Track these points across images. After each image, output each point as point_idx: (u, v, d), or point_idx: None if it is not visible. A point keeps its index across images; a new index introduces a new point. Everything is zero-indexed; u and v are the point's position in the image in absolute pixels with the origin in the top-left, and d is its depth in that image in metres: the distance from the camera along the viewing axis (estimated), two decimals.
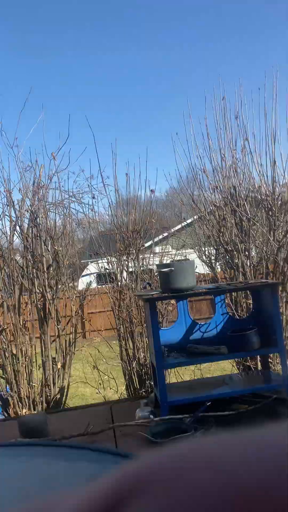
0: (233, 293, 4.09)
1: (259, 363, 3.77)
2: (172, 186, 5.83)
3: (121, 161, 4.75)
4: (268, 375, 3.27)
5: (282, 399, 2.91)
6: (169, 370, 3.59)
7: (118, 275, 4.31)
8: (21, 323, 3.85)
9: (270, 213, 4.27)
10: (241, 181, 4.48)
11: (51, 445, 0.91)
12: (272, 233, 4.14)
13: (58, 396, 3.81)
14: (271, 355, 3.73)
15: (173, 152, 4.60)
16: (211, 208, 4.64)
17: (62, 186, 4.67)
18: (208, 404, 2.80)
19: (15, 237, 4.17)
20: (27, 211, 4.31)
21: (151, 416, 2.85)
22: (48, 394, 3.78)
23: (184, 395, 2.91)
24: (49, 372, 3.83)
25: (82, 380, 4.06)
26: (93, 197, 4.96)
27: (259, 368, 3.75)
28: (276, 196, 4.39)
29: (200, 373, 3.83)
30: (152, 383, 3.42)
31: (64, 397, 3.89)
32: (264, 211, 4.44)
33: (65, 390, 3.90)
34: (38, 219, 4.27)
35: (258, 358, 3.74)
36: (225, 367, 4.01)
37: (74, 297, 4.28)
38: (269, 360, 3.61)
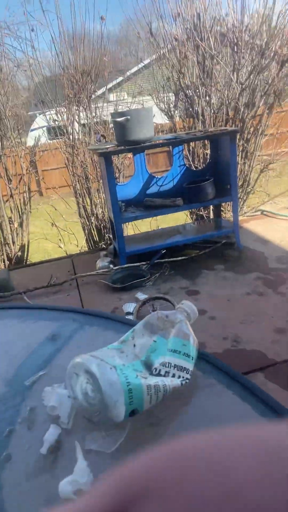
0: (191, 144, 3.94)
1: (211, 213, 3.92)
2: (127, 16, 4.91)
3: None
4: (219, 223, 3.43)
5: (230, 244, 3.14)
6: (126, 223, 3.67)
7: (69, 127, 3.94)
8: None
9: (236, 49, 3.80)
10: (206, 7, 3.82)
11: (8, 307, 0.90)
12: (235, 73, 3.77)
13: (19, 253, 3.90)
14: (224, 204, 3.86)
15: None
16: (171, 43, 4.04)
17: None
18: (163, 251, 2.98)
19: None
20: None
21: (111, 266, 3.03)
22: (9, 252, 3.85)
23: (140, 245, 3.05)
24: (7, 232, 3.81)
25: (43, 237, 4.11)
26: (32, 30, 4.13)
27: (211, 217, 3.92)
28: (244, 27, 3.85)
29: (156, 224, 3.96)
30: (111, 236, 3.52)
31: (25, 254, 3.99)
32: (229, 48, 3.94)
33: (26, 247, 3.97)
34: None
35: (211, 207, 3.87)
36: (180, 217, 4.15)
37: (23, 153, 3.96)
38: (222, 209, 3.75)
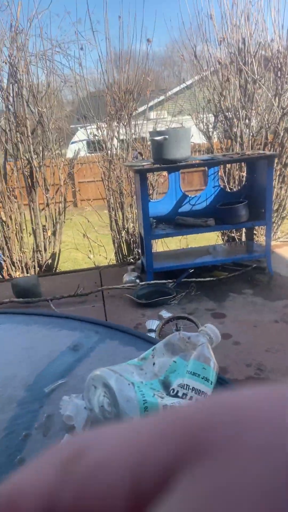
0: (227, 165, 3.94)
1: (243, 235, 3.87)
2: (173, 39, 5.05)
3: (114, 1, 3.97)
4: (251, 246, 3.38)
5: (261, 268, 3.08)
6: (156, 239, 3.69)
7: (108, 142, 4.05)
8: (9, 190, 3.77)
9: (279, 74, 3.80)
10: (252, 32, 3.86)
11: (36, 314, 0.93)
12: (277, 98, 3.76)
13: (50, 261, 3.99)
14: (257, 228, 3.80)
15: None
16: (214, 66, 4.10)
17: (45, 33, 4.01)
18: (190, 271, 2.96)
19: None
20: (5, 62, 3.79)
21: (137, 281, 3.04)
22: (40, 259, 3.95)
23: (168, 263, 3.05)
24: (40, 239, 3.93)
25: (73, 247, 4.20)
26: (81, 48, 4.33)
27: (243, 239, 3.87)
28: None
29: (186, 243, 3.96)
30: (140, 251, 3.55)
31: (56, 262, 4.08)
32: (272, 73, 3.95)
33: (57, 255, 4.07)
34: (18, 74, 3.79)
35: (244, 230, 3.83)
36: (211, 238, 4.13)
37: (62, 165, 4.10)
38: (254, 232, 3.69)
